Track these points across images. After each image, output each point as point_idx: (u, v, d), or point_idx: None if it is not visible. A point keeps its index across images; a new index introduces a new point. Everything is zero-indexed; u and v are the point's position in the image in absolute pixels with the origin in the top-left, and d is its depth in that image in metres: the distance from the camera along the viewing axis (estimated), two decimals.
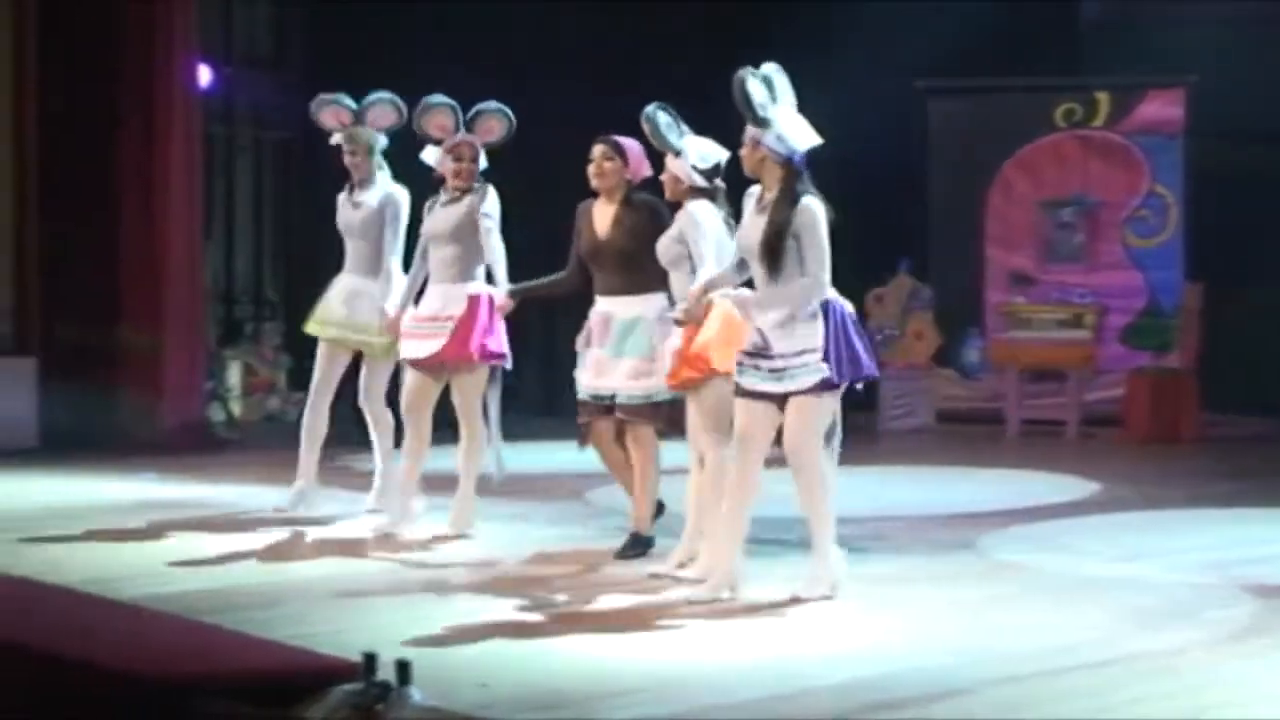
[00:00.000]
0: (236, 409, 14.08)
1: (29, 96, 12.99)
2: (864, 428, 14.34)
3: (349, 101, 9.10)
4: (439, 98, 8.66)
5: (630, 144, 8.01)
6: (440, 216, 8.58)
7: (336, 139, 9.15)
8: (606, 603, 6.97)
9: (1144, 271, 14.67)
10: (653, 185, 8.00)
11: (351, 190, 9.12)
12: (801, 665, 5.82)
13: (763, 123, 6.91)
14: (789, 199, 6.86)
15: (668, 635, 6.37)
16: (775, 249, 6.82)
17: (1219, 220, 13.97)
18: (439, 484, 8.86)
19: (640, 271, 7.87)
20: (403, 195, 9.03)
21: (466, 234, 8.49)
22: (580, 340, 8.04)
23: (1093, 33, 14.88)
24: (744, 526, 6.95)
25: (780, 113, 6.96)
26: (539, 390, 13.76)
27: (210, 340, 13.95)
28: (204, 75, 13.63)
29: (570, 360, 8.15)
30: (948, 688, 5.50)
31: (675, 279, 7.61)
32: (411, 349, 8.58)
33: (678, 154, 7.55)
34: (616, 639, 6.31)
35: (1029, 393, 14.32)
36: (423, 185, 8.83)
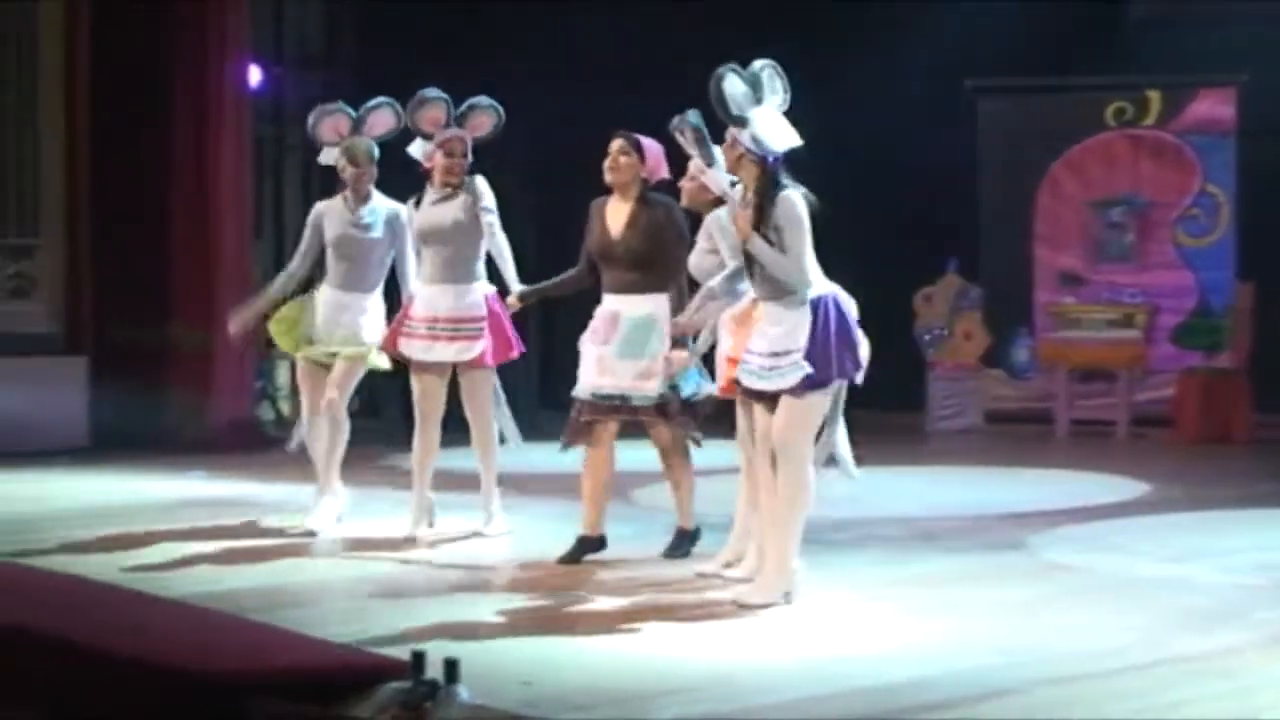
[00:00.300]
0: (285, 408, 14.13)
1: (81, 97, 13.08)
2: (912, 428, 14.34)
3: (349, 109, 8.86)
4: (433, 91, 8.56)
5: (650, 143, 7.92)
6: (435, 215, 8.44)
7: (330, 157, 8.83)
8: (651, 601, 6.96)
9: (1195, 271, 14.58)
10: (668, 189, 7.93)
11: (349, 205, 8.76)
12: (848, 665, 5.81)
13: (738, 121, 6.88)
14: (766, 196, 6.84)
15: (714, 634, 6.37)
16: (768, 240, 6.81)
17: (1271, 220, 13.86)
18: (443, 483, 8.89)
19: (651, 271, 7.80)
20: (404, 211, 8.73)
21: (466, 231, 8.39)
22: (585, 337, 7.91)
23: (1142, 31, 14.78)
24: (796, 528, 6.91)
25: (760, 112, 6.90)
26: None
27: (260, 339, 14.00)
28: (254, 75, 13.69)
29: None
30: (997, 688, 5.48)
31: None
32: (429, 350, 8.45)
33: (711, 164, 7.37)
34: (662, 638, 6.31)
35: (1078, 393, 14.26)
36: (404, 177, 8.75)
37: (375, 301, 8.78)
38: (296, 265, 8.89)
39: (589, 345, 7.87)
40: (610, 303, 7.89)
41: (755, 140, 6.85)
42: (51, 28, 12.99)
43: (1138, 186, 14.70)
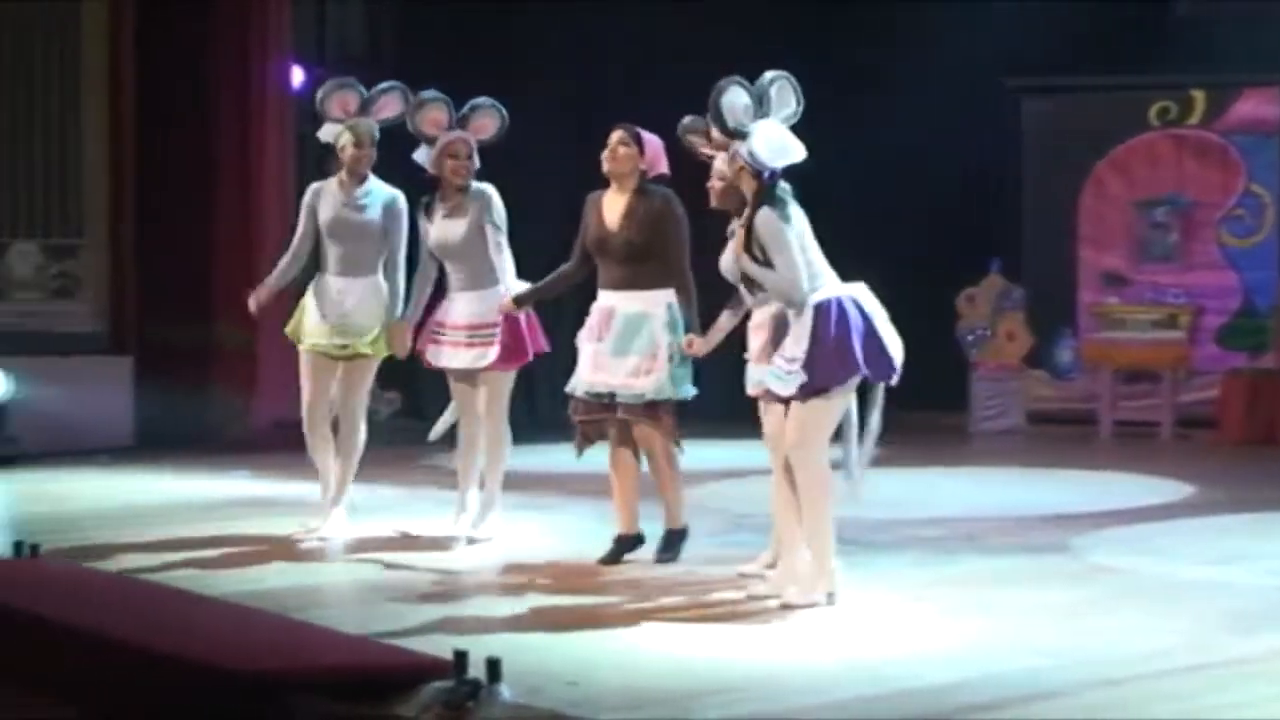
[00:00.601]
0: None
1: (125, 98, 13.14)
2: (955, 429, 14.30)
3: (362, 88, 8.69)
4: (433, 93, 8.47)
5: (650, 136, 7.83)
6: (448, 230, 8.33)
7: (330, 134, 8.63)
8: (694, 601, 6.96)
9: (1239, 271, 14.50)
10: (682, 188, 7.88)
11: (344, 187, 8.55)
12: (893, 666, 5.79)
13: (736, 135, 6.88)
14: (753, 216, 6.85)
15: (758, 634, 6.36)
16: (756, 262, 6.84)
17: None
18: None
19: (649, 264, 7.71)
20: (401, 197, 8.61)
21: (479, 244, 8.28)
22: (581, 334, 7.84)
23: (1186, 30, 14.70)
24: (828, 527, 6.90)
25: (761, 126, 6.89)
26: None
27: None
28: (297, 76, 13.74)
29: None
30: (1042, 690, 5.46)
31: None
32: (454, 358, 8.41)
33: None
34: (706, 637, 6.30)
35: (1122, 394, 14.19)
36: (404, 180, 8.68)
37: (376, 285, 8.54)
38: (297, 245, 8.67)
39: (585, 342, 7.81)
40: (605, 298, 7.80)
41: (751, 154, 6.85)
42: (95, 29, 13.05)
43: (1181, 186, 14.62)
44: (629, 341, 7.69)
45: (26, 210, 12.81)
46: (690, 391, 7.75)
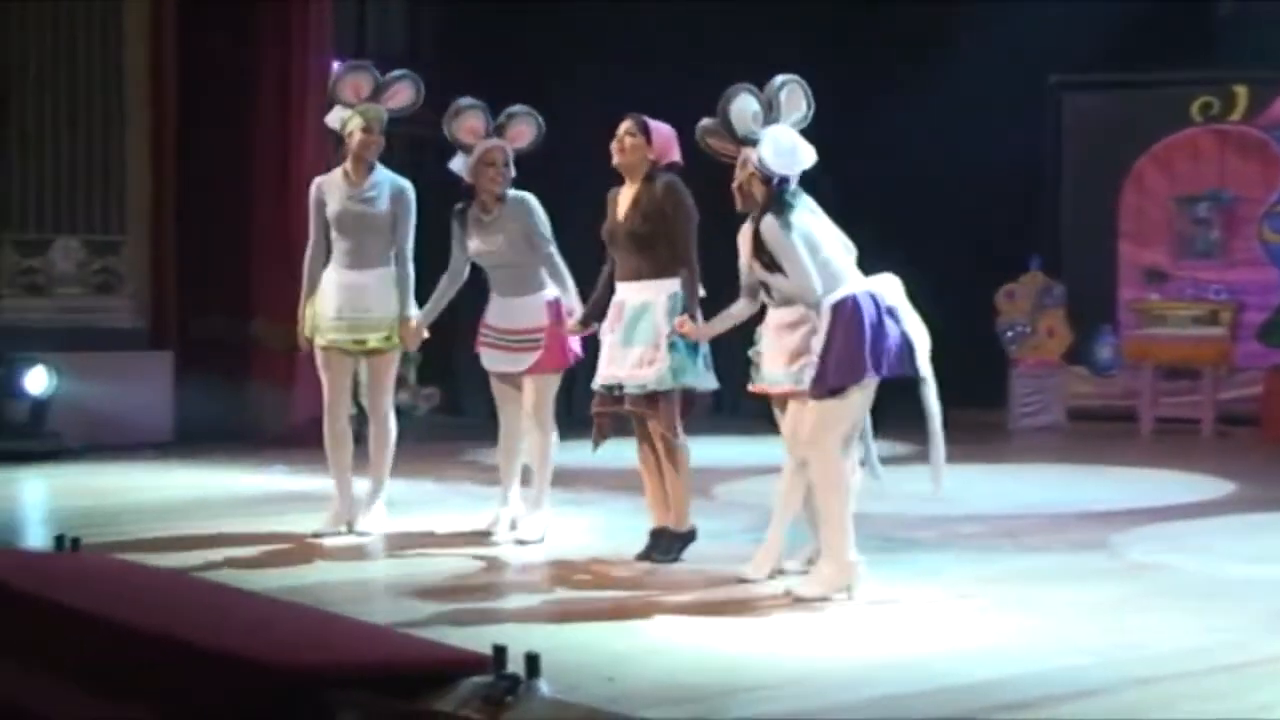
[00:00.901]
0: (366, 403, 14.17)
1: (166, 96, 13.22)
2: (995, 425, 14.26)
3: (377, 72, 8.56)
4: (470, 100, 8.36)
5: (659, 125, 7.77)
6: (487, 239, 8.25)
7: (336, 119, 8.46)
8: (732, 597, 6.94)
9: None
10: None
11: (350, 178, 8.44)
12: (933, 663, 5.77)
13: (746, 141, 6.91)
14: (761, 216, 6.88)
15: (796, 630, 6.34)
16: (766, 268, 6.88)
17: None
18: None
19: (654, 252, 7.65)
20: (409, 186, 8.54)
21: (522, 250, 8.23)
22: (603, 328, 7.82)
23: (1228, 26, 14.65)
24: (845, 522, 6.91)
25: (771, 133, 6.91)
26: None
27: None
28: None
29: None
30: (1083, 688, 5.43)
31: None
32: (497, 361, 8.39)
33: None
34: (744, 633, 6.29)
35: (1162, 390, 14.15)
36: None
37: (387, 277, 8.48)
38: (314, 247, 8.58)
39: (604, 336, 7.82)
40: (620, 291, 7.77)
41: (761, 161, 6.89)
42: (137, 28, 13.13)
43: (1223, 182, 14.57)
44: (633, 332, 7.67)
45: (69, 207, 12.87)
46: (706, 383, 7.69)
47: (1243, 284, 14.41)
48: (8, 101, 12.79)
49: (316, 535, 8.47)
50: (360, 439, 8.85)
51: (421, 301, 8.57)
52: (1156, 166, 14.77)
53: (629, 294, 7.72)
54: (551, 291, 8.31)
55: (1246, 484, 10.60)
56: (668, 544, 7.74)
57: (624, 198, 7.81)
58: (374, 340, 8.52)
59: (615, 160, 7.80)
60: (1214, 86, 14.57)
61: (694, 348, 7.60)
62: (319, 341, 8.60)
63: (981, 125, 14.13)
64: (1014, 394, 14.56)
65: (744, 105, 6.91)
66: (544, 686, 4.95)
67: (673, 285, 7.65)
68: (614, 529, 8.56)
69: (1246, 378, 14.08)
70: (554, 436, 8.40)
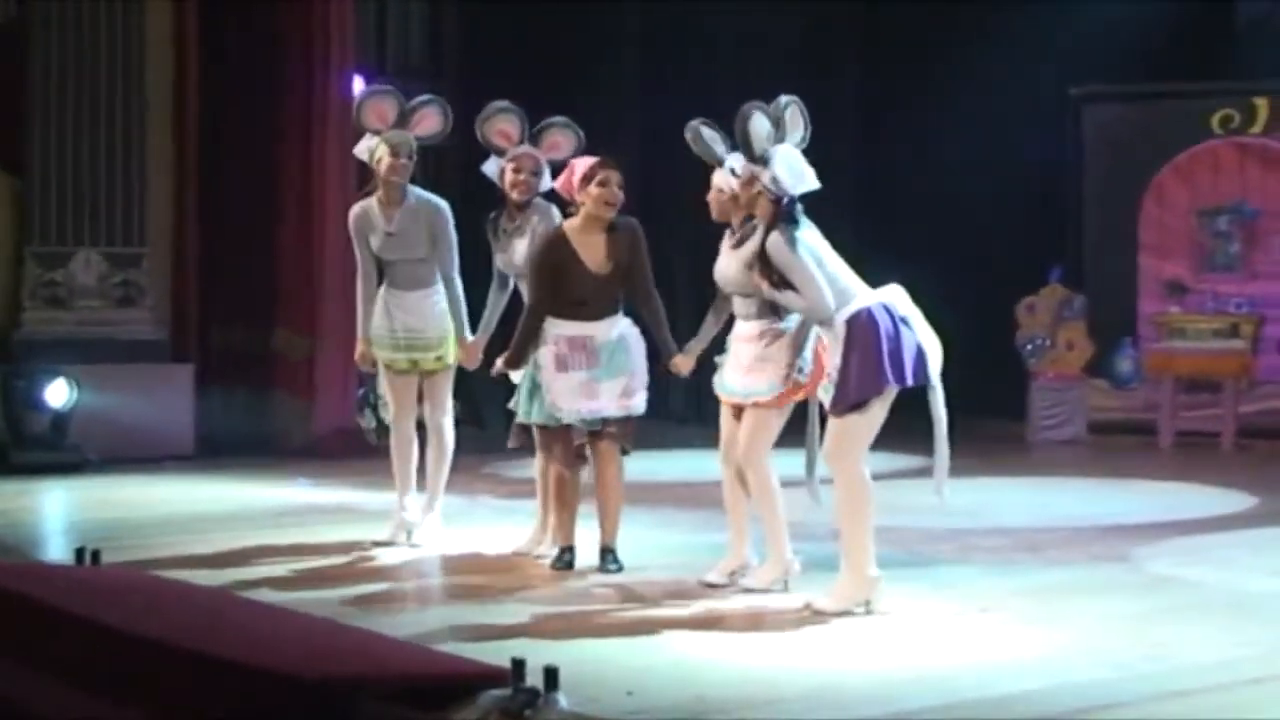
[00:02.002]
0: (387, 416, 14.17)
1: (188, 108, 13.24)
2: (1015, 438, 14.23)
3: (399, 96, 8.51)
4: (505, 103, 8.33)
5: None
6: (511, 247, 8.22)
7: (364, 150, 8.45)
8: (752, 610, 6.94)
9: None
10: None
11: (384, 207, 8.42)
12: (955, 677, 5.76)
13: (760, 160, 6.92)
14: (768, 232, 6.90)
15: (818, 644, 6.33)
16: (775, 286, 6.91)
17: None
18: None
19: (621, 295, 7.83)
20: (444, 206, 8.54)
21: None
22: (550, 365, 7.76)
23: (1249, 38, 14.62)
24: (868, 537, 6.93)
25: (781, 152, 6.93)
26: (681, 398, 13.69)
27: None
28: (358, 86, 13.79)
29: None
30: (1108, 701, 5.42)
31: (750, 304, 7.37)
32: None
33: (721, 164, 7.37)
34: (764, 647, 6.29)
35: (1183, 404, 14.10)
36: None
37: (435, 296, 8.48)
38: (364, 274, 8.58)
39: (560, 373, 7.74)
40: (580, 328, 7.75)
41: (775, 181, 6.90)
42: (159, 39, 13.15)
43: (1244, 195, 14.52)
44: (615, 365, 7.77)
45: (90, 219, 12.90)
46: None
47: (1264, 297, 14.35)
48: (29, 114, 12.82)
49: (377, 544, 8.52)
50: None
51: (474, 316, 8.56)
52: (1177, 179, 14.73)
53: (597, 330, 7.78)
54: None
55: (1268, 497, 10.56)
56: (613, 557, 7.87)
57: (593, 246, 7.76)
58: (427, 361, 8.56)
59: (609, 213, 7.74)
60: (1234, 99, 14.53)
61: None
62: (381, 359, 8.64)
63: (1002, 138, 14.11)
64: (1034, 407, 14.52)
65: (759, 124, 6.95)
66: (563, 699, 4.95)
67: (625, 316, 7.84)
68: (630, 543, 8.53)
69: (1267, 391, 14.03)
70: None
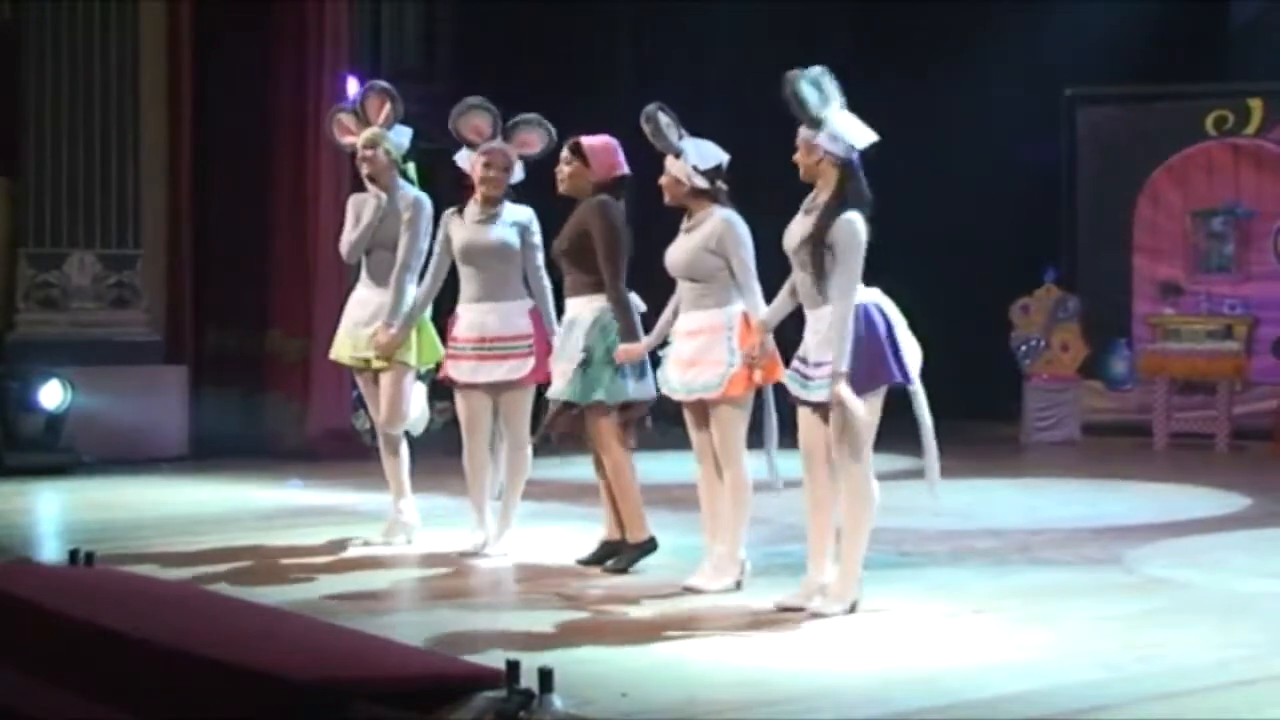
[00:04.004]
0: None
1: (182, 109, 13.23)
2: (1009, 440, 14.24)
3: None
4: (477, 99, 8.35)
5: (595, 142, 7.91)
6: (478, 235, 8.22)
7: (352, 140, 8.64)
8: (747, 612, 6.93)
9: None
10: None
11: (377, 199, 8.60)
12: (950, 678, 5.77)
13: (817, 123, 6.81)
14: (839, 203, 6.77)
15: (811, 645, 6.33)
16: (815, 255, 6.75)
17: None
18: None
19: (580, 272, 7.85)
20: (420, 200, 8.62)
21: (510, 253, 8.18)
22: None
23: (1243, 39, 14.63)
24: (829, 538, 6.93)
25: (834, 112, 6.84)
26: None
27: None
28: (352, 87, 13.79)
29: None
30: (1101, 703, 5.43)
31: (710, 290, 7.35)
32: (473, 373, 8.28)
33: (678, 155, 7.37)
34: (758, 649, 6.29)
35: (1177, 405, 14.11)
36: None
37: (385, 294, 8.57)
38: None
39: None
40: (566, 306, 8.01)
41: (834, 138, 6.78)
42: (153, 41, 13.14)
43: (1238, 196, 14.53)
44: (564, 346, 7.87)
45: (85, 220, 12.89)
46: (617, 395, 7.78)
47: (1258, 298, 14.36)
48: (24, 115, 12.81)
49: (374, 545, 8.61)
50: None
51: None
52: (1171, 180, 14.74)
53: (568, 309, 7.92)
54: (528, 301, 8.30)
55: (1261, 499, 10.57)
56: (629, 554, 7.85)
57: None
58: (375, 360, 8.60)
59: (561, 189, 7.94)
60: (1229, 100, 14.54)
61: (610, 363, 7.73)
62: (360, 361, 8.76)
63: (996, 139, 14.12)
64: (1028, 408, 14.52)
65: (808, 89, 6.81)
66: (557, 701, 4.95)
67: (600, 300, 7.79)
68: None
69: (1261, 392, 14.03)
70: (529, 451, 8.36)
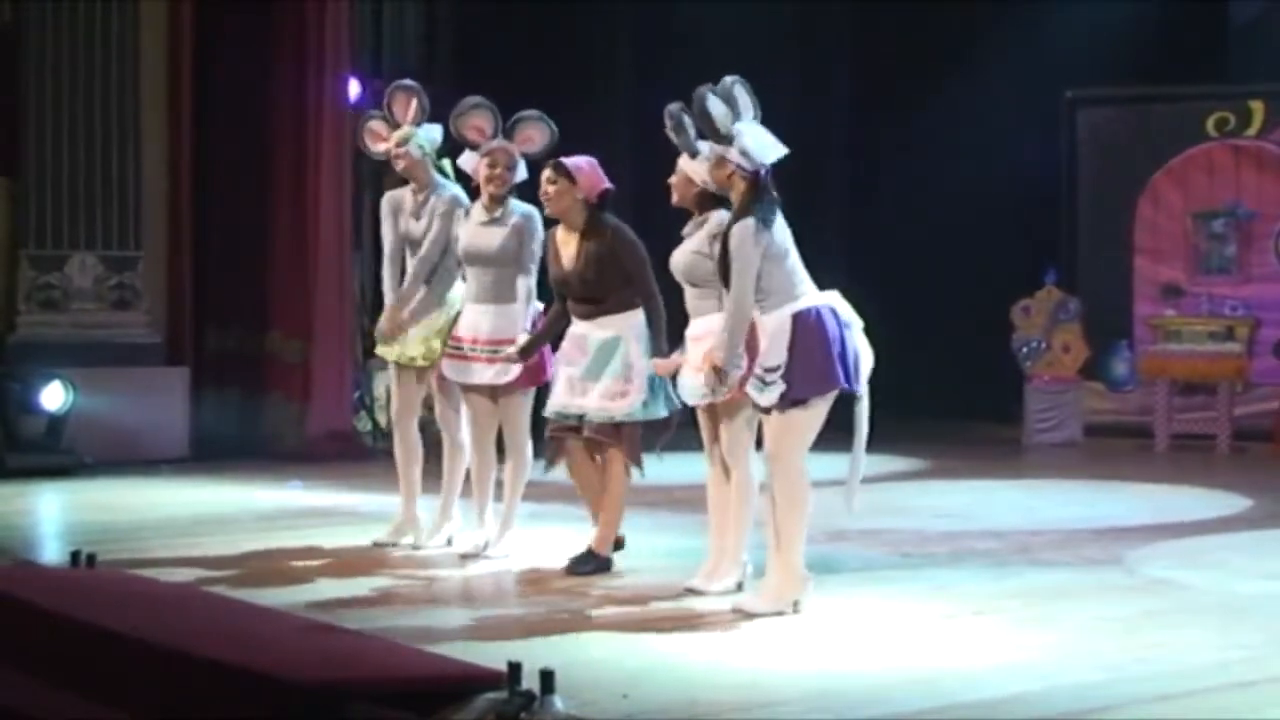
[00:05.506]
0: (382, 418, 14.21)
1: (183, 111, 13.24)
2: (1010, 441, 14.23)
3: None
4: (478, 99, 8.36)
5: (578, 162, 7.88)
6: (483, 237, 8.21)
7: (386, 145, 8.63)
8: (747, 613, 6.93)
9: None
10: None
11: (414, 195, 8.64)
12: (949, 680, 5.77)
13: (726, 139, 6.86)
14: (742, 215, 6.83)
15: (812, 646, 6.34)
16: (723, 265, 6.86)
17: None
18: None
19: (607, 299, 7.80)
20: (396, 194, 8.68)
21: (513, 256, 8.17)
22: (557, 358, 7.96)
23: (1244, 41, 14.64)
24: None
25: (744, 127, 6.88)
26: None
27: (358, 350, 14.08)
28: (353, 88, 13.80)
29: None
30: (1099, 704, 5.43)
31: (708, 295, 7.35)
32: (464, 373, 8.30)
33: (694, 155, 7.33)
34: (759, 650, 6.29)
35: (1178, 406, 14.11)
36: None
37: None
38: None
39: (560, 367, 7.92)
40: (578, 327, 7.89)
41: (745, 154, 6.84)
42: (154, 43, 13.15)
43: (1239, 198, 14.54)
44: (603, 366, 7.78)
45: (86, 222, 12.89)
46: (660, 412, 7.79)
47: (1259, 300, 14.37)
48: (25, 116, 12.82)
49: (377, 545, 8.62)
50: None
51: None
52: (1172, 182, 14.75)
53: (592, 329, 7.83)
54: (534, 307, 8.29)
55: (1262, 500, 10.57)
56: (597, 562, 7.87)
57: (566, 244, 7.90)
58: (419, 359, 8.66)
59: (547, 211, 7.93)
60: (1229, 101, 14.55)
61: (655, 380, 7.73)
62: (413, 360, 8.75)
63: (996, 140, 14.13)
64: (1029, 410, 14.52)
65: (716, 105, 6.87)
66: (558, 703, 4.95)
67: (637, 316, 7.78)
68: (628, 546, 8.54)
69: (1262, 394, 14.04)
70: (529, 453, 8.35)
